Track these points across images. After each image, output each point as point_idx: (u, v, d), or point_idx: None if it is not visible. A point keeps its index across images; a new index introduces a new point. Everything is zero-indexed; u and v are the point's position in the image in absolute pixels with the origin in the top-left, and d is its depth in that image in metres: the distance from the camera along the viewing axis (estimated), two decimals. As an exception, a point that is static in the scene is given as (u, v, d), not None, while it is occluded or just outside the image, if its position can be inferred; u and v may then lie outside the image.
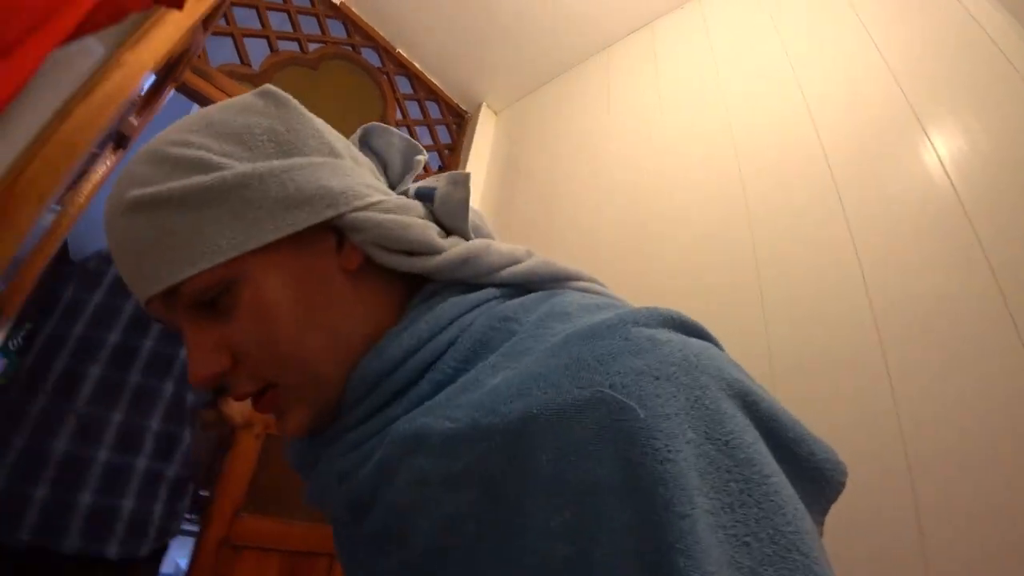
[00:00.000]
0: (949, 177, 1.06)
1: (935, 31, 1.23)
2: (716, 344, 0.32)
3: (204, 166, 0.35)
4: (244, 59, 1.92)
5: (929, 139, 1.12)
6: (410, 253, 0.39)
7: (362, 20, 2.29)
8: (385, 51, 2.36)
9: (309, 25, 2.15)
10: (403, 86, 2.42)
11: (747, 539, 0.23)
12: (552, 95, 2.34)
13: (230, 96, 1.80)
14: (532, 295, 0.38)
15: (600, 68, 2.17)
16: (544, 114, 2.32)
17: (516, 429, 0.27)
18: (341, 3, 2.22)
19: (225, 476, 1.70)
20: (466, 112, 2.61)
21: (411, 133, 2.36)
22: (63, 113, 0.87)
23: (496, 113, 2.59)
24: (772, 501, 0.24)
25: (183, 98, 1.80)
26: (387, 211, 0.38)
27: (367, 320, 0.39)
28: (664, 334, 0.29)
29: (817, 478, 0.29)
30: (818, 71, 1.42)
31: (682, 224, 1.51)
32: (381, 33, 2.34)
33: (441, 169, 2.47)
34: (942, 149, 1.09)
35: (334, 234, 0.39)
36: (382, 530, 0.33)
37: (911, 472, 0.90)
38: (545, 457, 0.25)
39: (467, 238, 0.42)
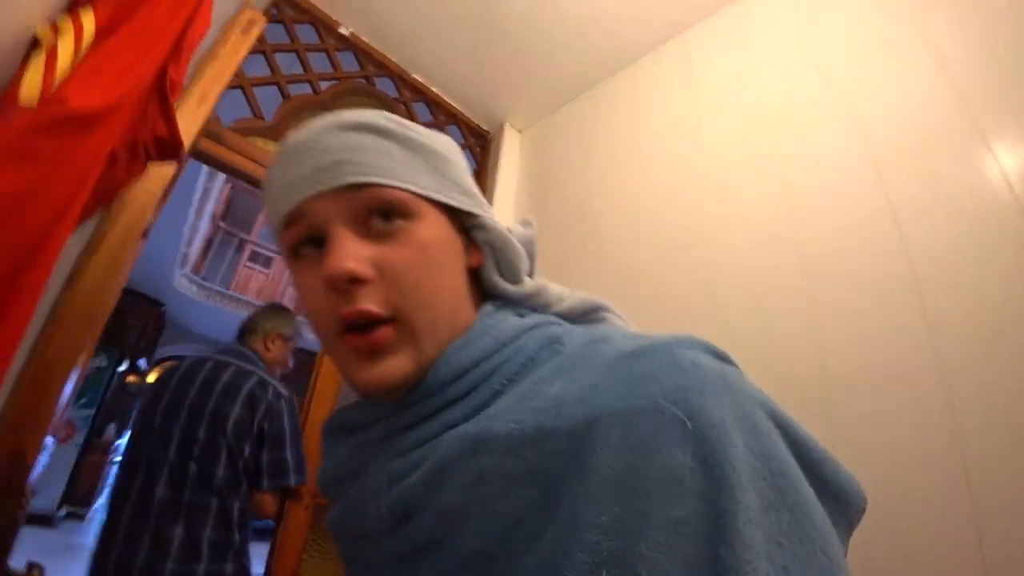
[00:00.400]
0: (1013, 191, 0.97)
1: (998, 37, 1.09)
2: (739, 371, 0.35)
3: (416, 131, 0.43)
4: (256, 111, 1.81)
5: (992, 152, 1.02)
6: (499, 274, 0.45)
7: (373, 48, 2.15)
8: (400, 79, 2.23)
9: (319, 62, 2.02)
10: (422, 113, 2.29)
11: (779, 539, 0.25)
12: (578, 111, 2.19)
13: (246, 157, 1.71)
14: (575, 326, 0.44)
15: (628, 82, 2.00)
16: (571, 131, 2.17)
17: (579, 432, 0.29)
18: (351, 33, 2.09)
19: (277, 549, 1.68)
20: (488, 133, 2.47)
21: (433, 164, 2.23)
22: (75, 275, 0.79)
23: (520, 132, 2.45)
24: (802, 509, 0.26)
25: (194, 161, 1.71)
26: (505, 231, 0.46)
27: (464, 312, 0.43)
28: (702, 357, 0.32)
29: (840, 498, 0.31)
30: (870, 77, 1.27)
31: (723, 243, 1.39)
32: (394, 60, 2.20)
33: (467, 197, 2.35)
34: (1006, 162, 0.99)
35: (467, 237, 0.45)
36: (422, 537, 0.35)
37: (972, 494, 0.85)
38: (603, 456, 0.28)
39: (532, 273, 0.48)
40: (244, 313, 7.26)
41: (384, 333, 0.37)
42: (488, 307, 0.43)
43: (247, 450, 1.41)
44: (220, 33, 0.99)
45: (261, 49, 1.87)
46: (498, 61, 2.11)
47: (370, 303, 0.37)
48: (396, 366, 0.37)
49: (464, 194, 0.44)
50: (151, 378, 8.75)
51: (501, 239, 0.44)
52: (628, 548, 0.25)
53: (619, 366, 0.32)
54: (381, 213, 0.39)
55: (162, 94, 0.62)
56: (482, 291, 0.46)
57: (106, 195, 0.63)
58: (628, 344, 0.35)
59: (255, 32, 1.01)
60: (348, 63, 2.11)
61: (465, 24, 1.98)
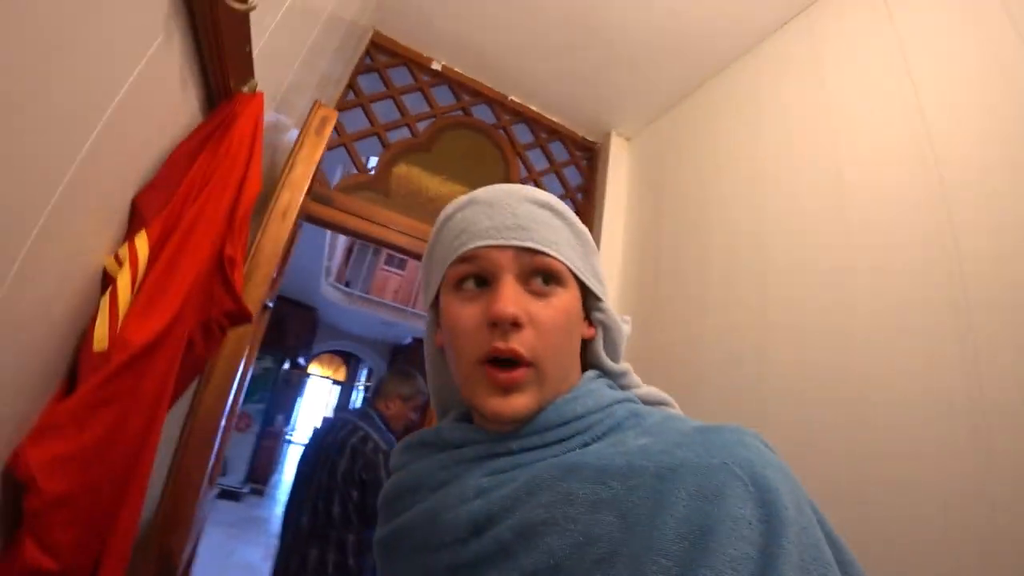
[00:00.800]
0: None
1: None
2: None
3: (578, 220, 0.51)
4: (359, 167, 1.85)
5: None
6: (605, 350, 0.52)
7: (467, 78, 2.09)
8: (497, 103, 2.14)
9: (414, 103, 2.01)
10: (522, 134, 2.19)
11: None
12: (691, 110, 1.94)
13: (356, 216, 1.75)
14: (649, 407, 0.49)
15: (743, 73, 1.72)
16: (685, 131, 1.93)
17: (662, 474, 0.36)
18: (443, 67, 2.04)
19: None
20: (595, 143, 2.30)
21: (538, 186, 2.13)
22: (192, 410, 0.83)
23: (628, 140, 2.24)
24: None
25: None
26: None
27: (574, 373, 0.49)
28: (762, 446, 0.38)
29: None
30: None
31: (861, 234, 1.14)
32: (489, 85, 2.12)
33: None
34: None
35: (585, 313, 0.50)
36: (492, 548, 0.39)
37: None
38: (680, 498, 0.34)
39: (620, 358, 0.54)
40: (382, 313, 7.80)
41: (522, 373, 0.43)
42: (591, 374, 0.50)
43: (354, 494, 1.72)
44: (297, 139, 0.98)
45: (359, 103, 1.90)
46: (600, 71, 1.93)
47: (519, 345, 0.42)
48: (523, 403, 0.43)
49: (598, 281, 0.51)
50: (314, 368, 10.00)
51: (615, 324, 0.51)
52: (691, 572, 0.31)
53: (697, 435, 0.38)
54: (542, 276, 0.45)
55: (223, 274, 0.60)
56: (583, 360, 0.51)
57: (191, 375, 0.64)
58: (701, 424, 0.41)
59: (329, 128, 0.99)
60: (443, 98, 2.07)
61: (561, 39, 1.83)
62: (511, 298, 0.43)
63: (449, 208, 0.50)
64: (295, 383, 9.01)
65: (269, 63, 0.83)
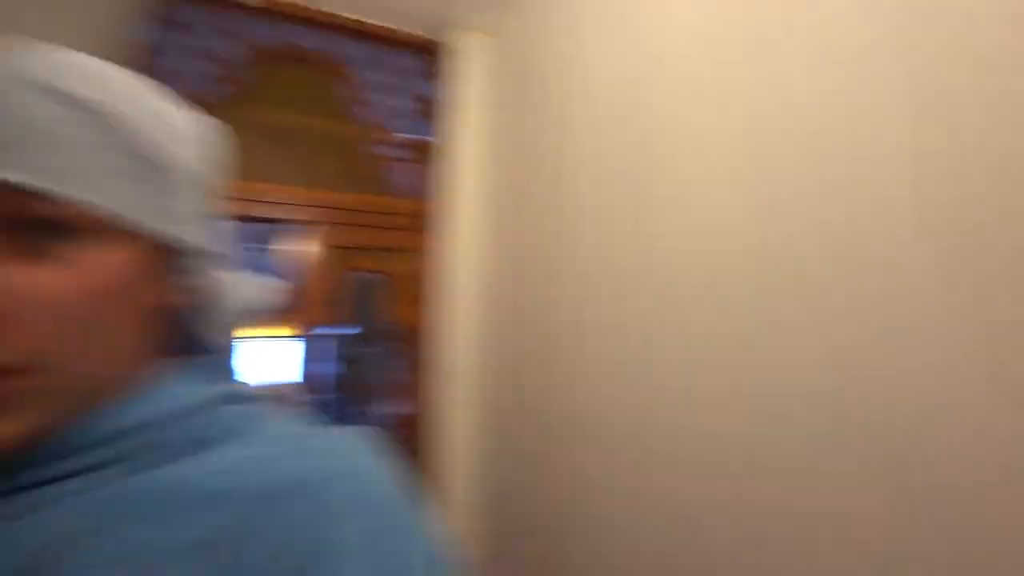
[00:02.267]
0: None
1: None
2: None
3: (153, 122, 0.35)
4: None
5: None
6: (202, 325, 0.41)
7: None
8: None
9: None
10: (360, 54, 2.15)
11: None
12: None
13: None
14: (248, 406, 0.41)
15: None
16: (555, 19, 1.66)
17: (256, 506, 0.31)
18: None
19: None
20: (442, 44, 2.25)
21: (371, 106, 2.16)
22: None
23: (489, 36, 2.12)
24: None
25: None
26: None
27: (129, 369, 0.36)
28: (365, 454, 0.38)
29: None
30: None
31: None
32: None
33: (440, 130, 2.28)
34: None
35: None
36: None
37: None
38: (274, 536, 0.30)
39: None
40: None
41: (8, 386, 0.29)
42: (168, 365, 0.40)
43: None
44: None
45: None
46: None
47: None
48: (13, 429, 0.29)
49: (187, 223, 0.37)
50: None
51: (215, 289, 0.40)
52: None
53: (294, 452, 0.36)
54: (40, 228, 0.29)
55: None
56: (170, 336, 0.42)
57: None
58: (300, 432, 0.40)
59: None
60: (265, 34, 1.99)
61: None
62: None
63: None
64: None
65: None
